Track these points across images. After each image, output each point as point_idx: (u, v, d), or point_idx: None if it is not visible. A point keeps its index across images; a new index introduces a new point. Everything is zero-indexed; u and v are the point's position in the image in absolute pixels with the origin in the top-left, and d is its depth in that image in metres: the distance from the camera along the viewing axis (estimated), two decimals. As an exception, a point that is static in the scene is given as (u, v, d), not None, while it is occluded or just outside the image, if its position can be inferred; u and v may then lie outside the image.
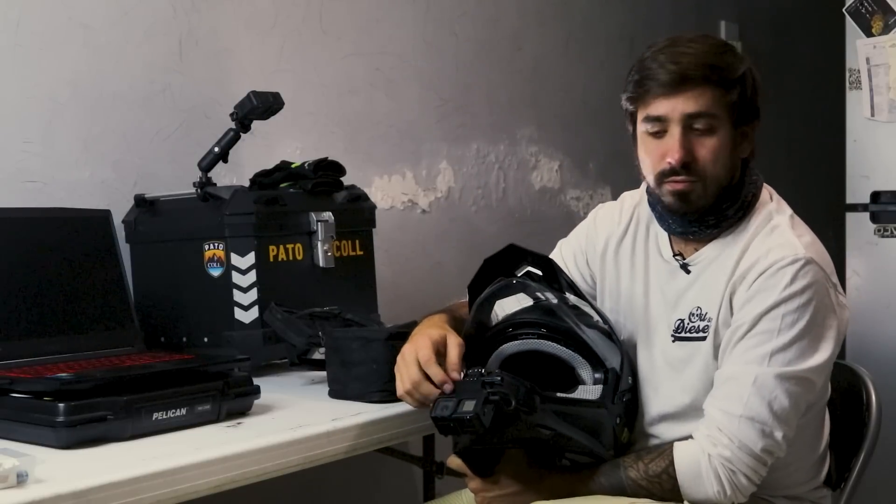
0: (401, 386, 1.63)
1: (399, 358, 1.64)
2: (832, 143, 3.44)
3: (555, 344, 1.67)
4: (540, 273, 1.72)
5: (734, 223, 1.67)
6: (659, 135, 1.64)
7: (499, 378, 1.51)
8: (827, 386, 1.71)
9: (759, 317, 1.58)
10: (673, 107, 1.61)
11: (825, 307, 1.60)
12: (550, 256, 1.88)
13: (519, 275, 1.72)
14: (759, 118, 1.68)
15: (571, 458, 1.66)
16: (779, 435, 1.57)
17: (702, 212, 1.65)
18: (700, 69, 1.60)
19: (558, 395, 1.60)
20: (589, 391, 1.63)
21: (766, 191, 1.72)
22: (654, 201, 1.72)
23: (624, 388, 1.66)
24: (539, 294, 1.73)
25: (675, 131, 1.62)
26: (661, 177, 1.65)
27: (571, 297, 1.72)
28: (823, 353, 1.59)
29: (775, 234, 1.64)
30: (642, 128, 1.66)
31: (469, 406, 1.47)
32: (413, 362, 1.60)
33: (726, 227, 1.68)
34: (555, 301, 1.69)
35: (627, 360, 1.69)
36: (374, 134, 2.77)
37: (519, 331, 1.69)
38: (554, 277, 1.72)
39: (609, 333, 1.69)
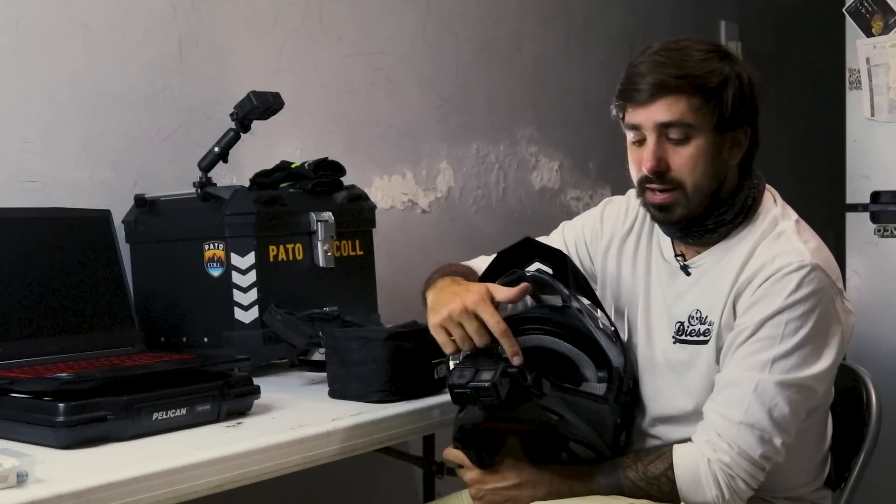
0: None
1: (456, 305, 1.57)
2: (832, 143, 3.44)
3: (560, 340, 1.66)
4: (550, 271, 1.72)
5: (735, 227, 1.67)
6: (639, 143, 1.65)
7: None
8: (830, 391, 1.71)
9: (762, 322, 1.57)
10: (647, 116, 1.62)
11: (829, 314, 1.59)
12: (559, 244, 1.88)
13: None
14: (754, 122, 1.67)
15: (574, 448, 1.65)
16: (777, 441, 1.57)
17: (689, 221, 1.65)
18: (675, 79, 1.60)
19: (565, 385, 1.61)
20: (593, 388, 1.63)
21: (770, 195, 1.71)
22: None
23: (625, 389, 1.66)
24: (545, 297, 1.73)
25: (649, 140, 1.63)
26: (641, 185, 1.66)
27: (581, 299, 1.71)
28: (826, 361, 1.59)
29: (781, 239, 1.63)
30: (627, 136, 1.68)
31: (487, 376, 1.49)
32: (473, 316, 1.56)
33: (726, 231, 1.67)
34: (561, 303, 1.69)
35: (629, 363, 1.69)
36: (374, 134, 2.77)
37: (525, 326, 1.69)
38: (565, 274, 1.72)
39: (613, 336, 1.69)
